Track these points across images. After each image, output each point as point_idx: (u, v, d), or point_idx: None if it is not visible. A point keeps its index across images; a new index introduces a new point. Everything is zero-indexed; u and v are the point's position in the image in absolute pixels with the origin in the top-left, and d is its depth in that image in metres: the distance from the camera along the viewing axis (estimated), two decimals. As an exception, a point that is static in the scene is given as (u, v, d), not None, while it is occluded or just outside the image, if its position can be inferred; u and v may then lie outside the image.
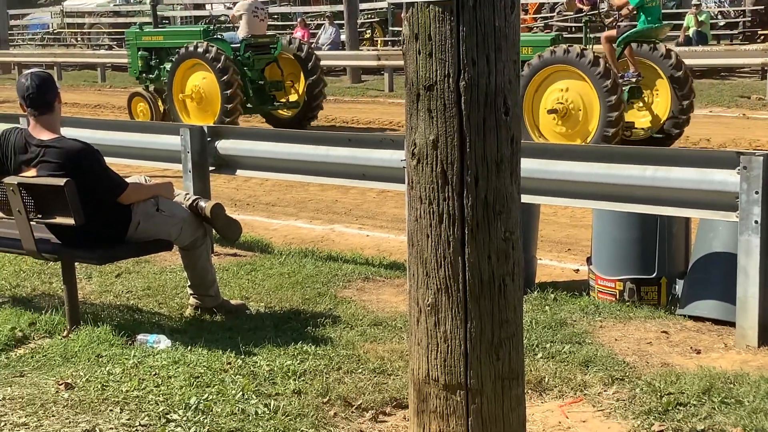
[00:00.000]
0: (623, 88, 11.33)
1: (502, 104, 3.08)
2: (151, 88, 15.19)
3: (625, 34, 11.78)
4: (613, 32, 11.88)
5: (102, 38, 35.20)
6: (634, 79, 11.70)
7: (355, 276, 6.27)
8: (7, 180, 4.97)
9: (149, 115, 14.81)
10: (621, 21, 12.20)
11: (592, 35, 12.83)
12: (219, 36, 14.40)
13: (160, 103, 14.81)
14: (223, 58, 13.60)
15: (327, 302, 5.67)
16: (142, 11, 32.12)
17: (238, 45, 14.17)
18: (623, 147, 8.14)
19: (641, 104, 12.04)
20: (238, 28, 14.53)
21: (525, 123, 11.18)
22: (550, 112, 11.23)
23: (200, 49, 13.76)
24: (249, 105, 14.35)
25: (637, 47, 11.85)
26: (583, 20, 13.01)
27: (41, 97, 5.00)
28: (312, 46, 24.87)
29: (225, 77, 13.52)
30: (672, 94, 11.66)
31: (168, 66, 14.42)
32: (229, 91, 13.51)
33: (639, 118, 12.10)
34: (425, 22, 3.05)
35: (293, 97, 14.94)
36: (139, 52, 15.19)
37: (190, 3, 34.76)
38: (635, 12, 11.96)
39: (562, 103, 11.16)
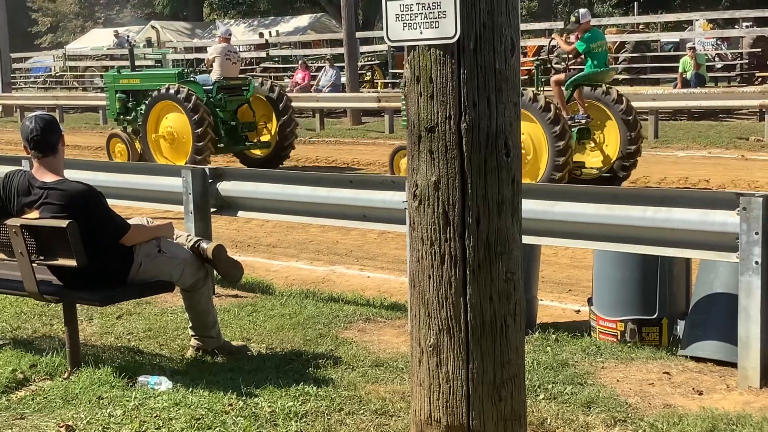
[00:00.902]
0: (572, 130, 11.66)
1: (503, 146, 3.11)
2: (129, 129, 15.58)
3: (573, 77, 12.16)
4: (562, 76, 12.29)
5: (101, 81, 35.49)
6: (583, 121, 12.02)
7: (357, 317, 6.27)
8: (10, 222, 4.99)
9: (126, 156, 15.25)
10: (570, 65, 12.72)
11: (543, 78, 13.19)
12: (192, 78, 14.92)
13: (137, 144, 15.20)
14: (194, 98, 13.97)
15: (328, 343, 5.66)
16: (136, 54, 32.34)
17: (211, 87, 14.58)
18: (624, 188, 8.19)
19: (593, 145, 12.35)
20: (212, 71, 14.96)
21: None
22: None
23: (172, 91, 14.17)
24: (221, 145, 14.70)
25: (591, 91, 12.26)
26: (535, 65, 13.34)
27: (45, 139, 5.04)
28: (313, 88, 25.17)
29: (195, 117, 13.90)
30: (621, 136, 11.98)
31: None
32: (199, 130, 13.87)
33: (590, 158, 12.40)
34: (426, 64, 3.09)
35: (265, 138, 15.30)
36: (117, 95, 15.66)
37: (190, 46, 35.07)
38: (583, 57, 12.40)
39: None
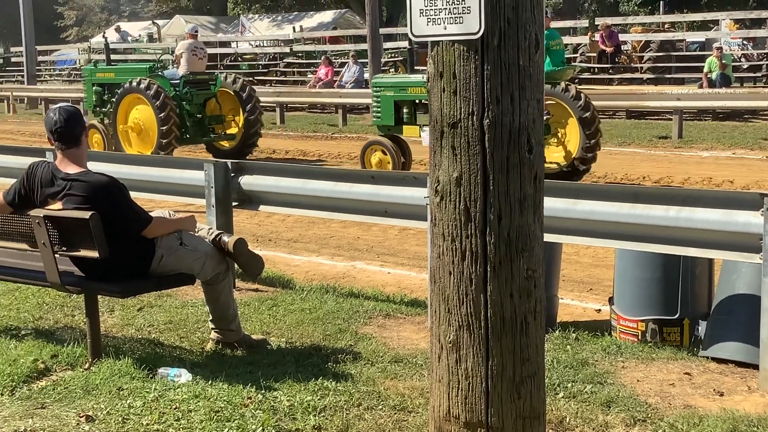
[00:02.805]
0: None
1: (525, 142, 3.10)
2: (106, 121, 16.11)
3: None
4: None
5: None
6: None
7: (376, 313, 6.27)
8: (33, 213, 5.02)
9: (103, 146, 15.89)
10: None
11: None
12: (160, 73, 15.61)
13: (112, 135, 15.87)
14: (158, 91, 14.69)
15: (348, 338, 5.67)
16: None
17: (178, 81, 15.30)
18: (647, 187, 8.14)
19: (555, 140, 12.64)
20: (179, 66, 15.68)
21: None
22: None
23: (139, 84, 14.89)
24: (188, 136, 15.39)
25: (551, 88, 12.47)
26: None
27: (69, 131, 5.06)
28: (336, 83, 25.20)
29: (158, 104, 14.61)
30: (581, 132, 12.29)
31: None
32: (163, 120, 14.59)
33: (552, 153, 12.68)
34: (450, 60, 3.08)
35: (232, 130, 15.97)
36: (94, 87, 16.46)
37: (217, 41, 35.18)
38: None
39: None
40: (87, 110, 17.39)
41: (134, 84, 14.91)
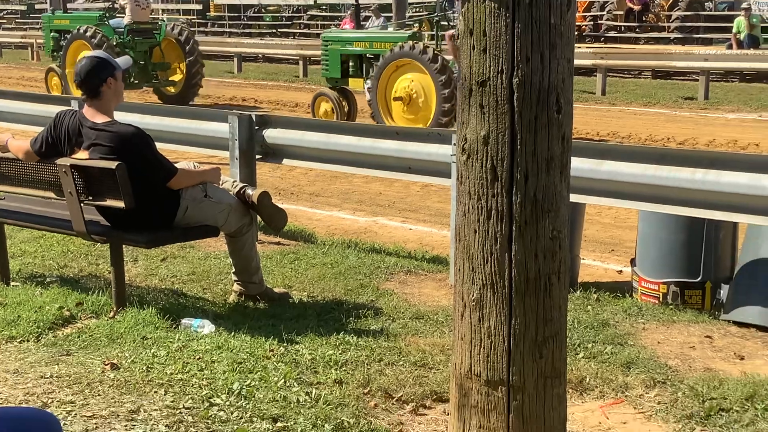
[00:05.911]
0: None
1: (554, 102, 3.07)
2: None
3: None
4: (454, 31, 12.67)
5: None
6: None
7: (398, 269, 6.29)
8: (60, 161, 5.05)
9: (61, 89, 17.17)
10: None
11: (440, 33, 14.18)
12: (107, 22, 17.09)
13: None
14: (100, 37, 16.18)
15: (369, 294, 5.70)
16: None
17: (122, 30, 16.77)
18: (674, 149, 8.09)
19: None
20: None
21: (378, 108, 12.76)
22: (396, 99, 12.66)
23: (83, 31, 16.45)
24: (133, 80, 16.60)
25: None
26: (435, 20, 14.92)
27: (87, 82, 5.05)
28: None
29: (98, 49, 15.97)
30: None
31: None
32: None
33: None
34: (480, 17, 3.05)
35: (176, 77, 17.46)
36: (51, 34, 18.01)
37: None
38: None
39: (407, 92, 12.54)
40: (46, 54, 19.43)
41: (80, 31, 16.43)
